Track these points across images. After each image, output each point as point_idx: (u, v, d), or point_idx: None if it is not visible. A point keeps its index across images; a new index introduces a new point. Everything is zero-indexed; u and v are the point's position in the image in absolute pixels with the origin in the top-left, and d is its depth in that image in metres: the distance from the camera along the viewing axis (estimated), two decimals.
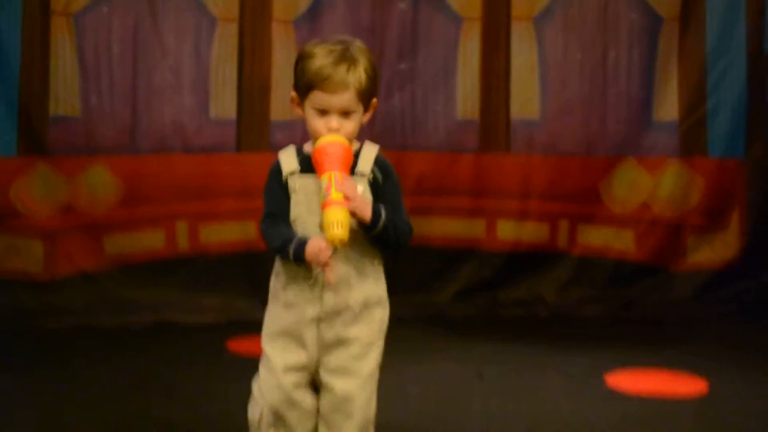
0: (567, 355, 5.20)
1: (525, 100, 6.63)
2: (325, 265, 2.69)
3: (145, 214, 6.28)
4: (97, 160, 6.17)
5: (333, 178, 2.60)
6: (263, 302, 6.12)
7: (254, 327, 5.69)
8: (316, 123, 2.74)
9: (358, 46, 2.76)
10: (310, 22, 6.44)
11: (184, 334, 5.66)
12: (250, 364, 4.99)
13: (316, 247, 2.70)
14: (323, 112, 2.72)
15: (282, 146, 6.56)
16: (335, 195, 2.58)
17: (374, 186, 2.77)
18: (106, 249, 6.16)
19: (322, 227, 2.68)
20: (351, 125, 2.73)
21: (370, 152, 2.81)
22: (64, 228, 6.08)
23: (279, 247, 2.80)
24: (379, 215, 2.70)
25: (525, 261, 6.55)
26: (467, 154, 6.63)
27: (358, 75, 2.70)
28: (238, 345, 5.39)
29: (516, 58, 6.62)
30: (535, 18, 6.61)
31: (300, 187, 2.79)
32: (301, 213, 2.79)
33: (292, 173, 2.83)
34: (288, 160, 2.87)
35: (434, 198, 6.59)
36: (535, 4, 6.61)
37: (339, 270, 2.75)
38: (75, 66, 6.13)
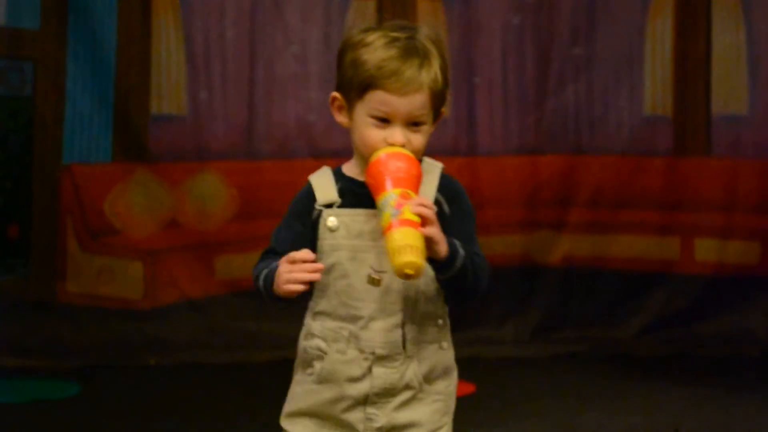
0: None
1: (729, 91, 6.48)
2: (289, 292, 2.35)
3: (265, 231, 6.23)
4: (206, 166, 6.15)
5: (408, 195, 2.32)
6: None
7: None
8: (372, 135, 2.40)
9: (426, 34, 2.46)
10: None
11: None
12: None
13: (289, 258, 2.36)
14: (384, 121, 2.40)
15: (430, 149, 6.51)
16: (409, 215, 2.29)
17: (440, 217, 2.40)
18: (216, 272, 6.17)
19: (372, 270, 2.39)
20: (420, 140, 2.42)
21: (432, 173, 2.48)
22: (168, 247, 6.10)
23: (257, 282, 2.50)
24: (456, 251, 2.36)
25: (729, 287, 6.41)
26: (657, 158, 6.50)
27: (433, 73, 2.41)
28: None
29: (718, 41, 6.47)
30: None
31: (342, 224, 2.45)
32: (341, 261, 2.44)
33: (330, 205, 2.49)
34: (324, 186, 2.52)
35: (616, 211, 6.48)
36: None
37: (391, 335, 2.43)
38: (181, 55, 6.15)
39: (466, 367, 5.56)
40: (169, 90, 6.16)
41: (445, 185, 2.47)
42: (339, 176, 2.52)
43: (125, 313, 5.95)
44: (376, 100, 2.39)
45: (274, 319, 6.05)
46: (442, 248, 2.32)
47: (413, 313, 2.43)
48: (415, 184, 2.37)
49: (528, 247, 6.43)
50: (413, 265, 2.25)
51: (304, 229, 2.49)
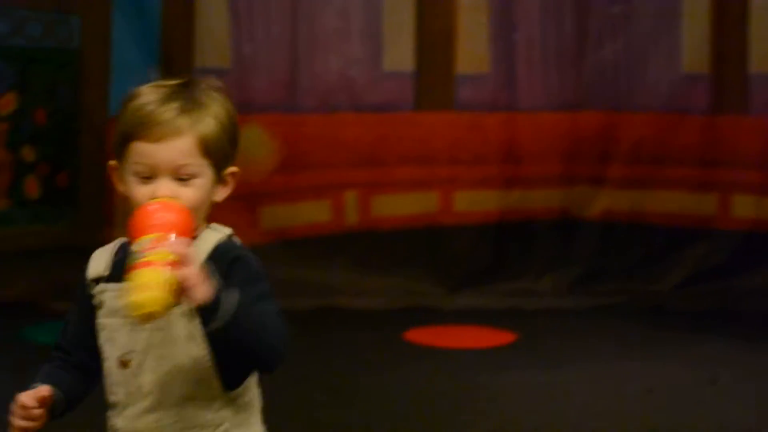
0: None
1: (767, 49, 6.47)
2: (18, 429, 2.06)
3: (308, 183, 6.31)
4: (251, 119, 6.16)
5: (166, 238, 1.99)
6: (446, 288, 6.27)
7: (434, 315, 5.88)
8: (139, 193, 2.07)
9: (206, 85, 2.16)
10: None
11: (351, 320, 5.73)
12: (431, 357, 5.17)
13: (16, 400, 2.07)
14: (148, 178, 2.08)
15: (469, 105, 6.55)
16: (158, 256, 1.95)
17: None
18: (262, 222, 6.25)
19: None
20: (192, 195, 2.08)
21: (207, 241, 2.11)
22: None
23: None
24: (225, 298, 1.98)
25: (766, 243, 6.42)
26: (695, 115, 6.51)
27: (200, 118, 2.10)
28: (415, 335, 5.44)
29: None
30: None
31: (104, 301, 2.14)
32: (102, 343, 2.15)
33: (98, 279, 2.17)
34: (99, 258, 2.20)
35: (655, 168, 6.52)
36: None
37: (139, 423, 2.10)
38: (224, 9, 6.20)
39: (507, 316, 5.71)
40: (213, 43, 6.23)
41: (222, 253, 2.10)
42: (123, 248, 2.17)
43: None
44: (135, 152, 2.09)
45: (318, 267, 6.17)
46: (201, 292, 1.95)
47: (167, 396, 2.08)
48: (180, 230, 2.02)
49: (567, 201, 6.49)
50: (141, 304, 1.92)
51: (80, 313, 2.19)
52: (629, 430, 4.21)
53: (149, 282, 1.92)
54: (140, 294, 1.91)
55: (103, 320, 2.13)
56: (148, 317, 1.93)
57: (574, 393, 4.64)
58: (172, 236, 1.99)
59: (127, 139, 2.09)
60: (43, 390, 2.08)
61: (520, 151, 6.42)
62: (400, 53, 6.46)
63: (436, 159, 6.42)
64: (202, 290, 1.95)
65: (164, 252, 1.95)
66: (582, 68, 6.53)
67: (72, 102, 6.19)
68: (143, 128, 2.08)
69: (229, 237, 2.15)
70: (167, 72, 6.14)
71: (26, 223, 6.14)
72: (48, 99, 6.17)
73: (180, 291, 1.94)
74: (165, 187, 2.06)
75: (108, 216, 6.14)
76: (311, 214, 6.35)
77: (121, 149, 2.11)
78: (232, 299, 1.97)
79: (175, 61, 6.18)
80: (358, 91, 6.38)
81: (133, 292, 1.92)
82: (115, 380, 2.11)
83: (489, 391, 4.63)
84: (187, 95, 2.11)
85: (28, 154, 6.10)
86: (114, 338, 2.11)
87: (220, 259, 2.07)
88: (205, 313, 1.97)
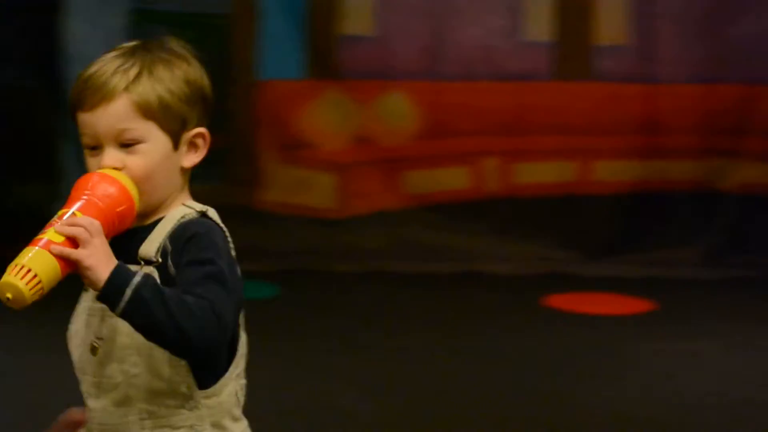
0: None
1: None
2: None
3: (449, 149, 6.39)
4: (394, 85, 6.33)
5: (64, 215, 1.83)
6: (584, 255, 6.31)
7: (573, 282, 5.95)
8: (89, 165, 1.94)
9: (163, 44, 2.00)
10: None
11: (492, 285, 5.79)
12: (570, 323, 5.26)
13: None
14: (95, 148, 1.93)
15: (608, 75, 6.52)
16: (50, 235, 1.79)
17: (161, 270, 1.90)
18: (404, 187, 6.36)
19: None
20: (138, 163, 1.90)
21: (174, 217, 1.94)
22: (358, 161, 6.32)
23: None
24: (126, 279, 1.79)
25: None
26: None
27: (135, 76, 1.91)
28: (554, 300, 5.51)
29: None
30: None
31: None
32: (83, 329, 1.99)
33: None
34: None
35: None
36: None
37: (109, 418, 1.95)
38: None
39: (645, 285, 5.76)
40: (358, 12, 6.32)
41: (182, 231, 1.92)
42: None
43: (318, 222, 6.20)
44: (79, 123, 1.94)
45: (458, 232, 6.27)
46: (97, 273, 1.78)
47: (135, 389, 1.91)
48: (100, 205, 1.85)
49: (705, 173, 6.46)
50: (6, 287, 1.76)
51: None
52: None
53: (18, 263, 1.76)
54: (6, 277, 1.76)
55: (79, 306, 1.99)
56: (9, 303, 1.77)
57: (713, 362, 4.68)
58: (71, 213, 1.83)
59: (72, 111, 1.95)
60: (75, 414, 2.00)
61: (658, 123, 6.42)
62: (538, 22, 6.51)
63: (574, 128, 6.45)
64: (98, 274, 1.78)
65: (56, 230, 1.79)
66: (722, 40, 6.50)
67: (222, 66, 6.35)
68: (80, 97, 1.93)
69: (201, 214, 1.95)
70: (312, 40, 6.31)
71: None
72: (202, 62, 6.31)
73: (81, 275, 1.80)
74: (109, 156, 1.91)
75: (257, 179, 6.33)
76: (452, 180, 6.42)
77: (74, 123, 1.96)
78: (133, 284, 1.79)
79: (320, 30, 6.32)
80: (497, 61, 6.42)
81: (5, 273, 1.77)
82: (84, 369, 1.95)
83: (628, 357, 4.69)
84: (131, 57, 1.95)
85: None
86: (86, 322, 1.96)
87: (178, 238, 1.90)
88: (102, 298, 1.81)
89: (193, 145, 1.99)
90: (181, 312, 1.79)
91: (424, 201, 6.37)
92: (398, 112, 6.40)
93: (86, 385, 1.95)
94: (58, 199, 5.86)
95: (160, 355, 1.87)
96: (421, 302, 5.47)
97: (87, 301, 1.95)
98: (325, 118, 6.34)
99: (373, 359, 4.60)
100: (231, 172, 6.33)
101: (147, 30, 6.02)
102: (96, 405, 1.93)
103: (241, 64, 6.33)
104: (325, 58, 6.34)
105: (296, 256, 5.94)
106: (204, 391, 1.92)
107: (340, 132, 6.37)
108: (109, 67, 1.92)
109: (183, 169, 1.98)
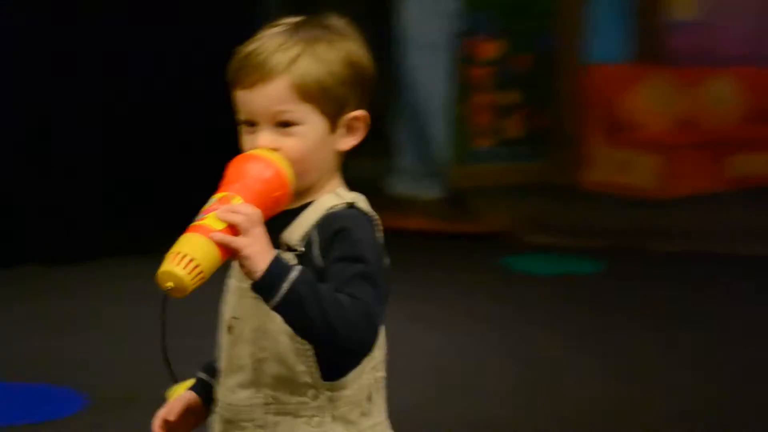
0: None
1: None
2: None
3: None
4: (720, 71, 6.42)
5: (228, 199, 1.77)
6: None
7: None
8: (245, 144, 1.87)
9: (327, 22, 1.88)
10: None
11: None
12: None
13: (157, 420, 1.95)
14: (252, 125, 1.86)
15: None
16: (210, 221, 1.74)
17: (303, 260, 1.81)
18: (726, 169, 6.43)
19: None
20: (294, 145, 1.82)
21: (322, 206, 1.85)
22: (682, 144, 6.41)
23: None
24: (285, 272, 1.74)
25: None
26: None
27: (295, 57, 1.82)
28: None
29: None
30: None
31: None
32: (222, 307, 1.96)
33: None
34: None
35: None
36: None
37: (233, 397, 1.90)
38: None
39: None
40: None
41: (330, 222, 1.83)
42: None
43: (641, 202, 6.29)
44: (237, 100, 1.88)
45: None
46: (255, 263, 1.74)
47: (261, 373, 1.87)
48: (257, 189, 1.80)
49: None
50: (167, 276, 1.71)
51: None
52: None
53: (181, 252, 1.71)
54: (163, 265, 1.71)
55: (228, 280, 1.92)
56: (173, 292, 1.72)
57: None
58: (235, 199, 1.76)
59: (232, 87, 1.87)
60: (177, 406, 1.95)
61: None
62: None
63: None
64: (258, 263, 1.73)
65: (218, 216, 1.74)
66: None
67: (551, 48, 6.59)
68: (239, 74, 1.85)
69: (350, 205, 1.84)
70: (639, 24, 6.46)
71: (507, 161, 6.58)
72: (530, 45, 6.59)
73: (240, 264, 1.76)
74: (264, 137, 1.83)
75: (583, 159, 6.52)
76: None
77: (233, 99, 1.89)
78: (290, 279, 1.74)
79: (647, 14, 6.46)
80: None
81: (165, 261, 1.72)
82: (222, 345, 1.91)
83: None
84: (293, 35, 1.84)
85: (512, 96, 6.53)
86: (228, 300, 1.92)
87: (325, 229, 1.82)
88: (257, 289, 1.76)
89: (350, 128, 1.86)
90: (334, 312, 1.73)
91: (746, 184, 6.41)
92: (723, 96, 6.49)
93: (221, 363, 1.91)
94: (391, 174, 6.25)
95: (288, 342, 1.82)
96: (744, 284, 5.51)
97: (233, 278, 1.89)
98: (650, 101, 6.47)
99: (696, 332, 4.72)
100: (558, 151, 6.55)
101: (475, 16, 6.37)
102: (225, 383, 1.89)
103: (568, 47, 6.53)
104: (652, 43, 6.48)
105: (619, 235, 6.02)
106: (329, 383, 1.85)
107: (664, 115, 6.48)
108: (270, 44, 1.83)
109: (338, 153, 1.86)
